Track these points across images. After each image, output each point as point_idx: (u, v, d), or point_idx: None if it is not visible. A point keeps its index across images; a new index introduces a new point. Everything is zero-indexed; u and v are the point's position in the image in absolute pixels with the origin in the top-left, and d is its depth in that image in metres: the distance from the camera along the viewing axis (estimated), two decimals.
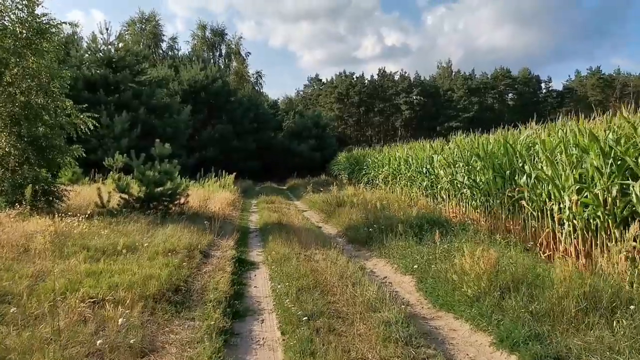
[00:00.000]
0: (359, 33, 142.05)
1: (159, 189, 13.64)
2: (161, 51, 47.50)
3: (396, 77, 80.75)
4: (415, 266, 7.81)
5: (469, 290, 6.07)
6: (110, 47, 30.29)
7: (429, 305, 6.60)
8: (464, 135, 18.07)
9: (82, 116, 14.86)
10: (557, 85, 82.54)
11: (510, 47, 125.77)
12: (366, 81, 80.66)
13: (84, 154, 15.50)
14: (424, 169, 15.80)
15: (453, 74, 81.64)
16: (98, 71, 28.80)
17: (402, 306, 6.14)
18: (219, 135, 37.63)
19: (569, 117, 10.60)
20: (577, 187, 7.61)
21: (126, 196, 13.41)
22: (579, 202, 7.67)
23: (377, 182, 21.71)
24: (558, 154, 8.54)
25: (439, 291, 6.72)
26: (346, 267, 7.99)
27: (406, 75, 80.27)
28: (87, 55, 30.09)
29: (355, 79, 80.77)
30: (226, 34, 48.43)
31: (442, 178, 13.94)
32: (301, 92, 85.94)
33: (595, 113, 9.42)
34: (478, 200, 11.75)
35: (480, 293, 5.97)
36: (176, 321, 5.67)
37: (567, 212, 7.90)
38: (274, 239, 10.53)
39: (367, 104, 79.61)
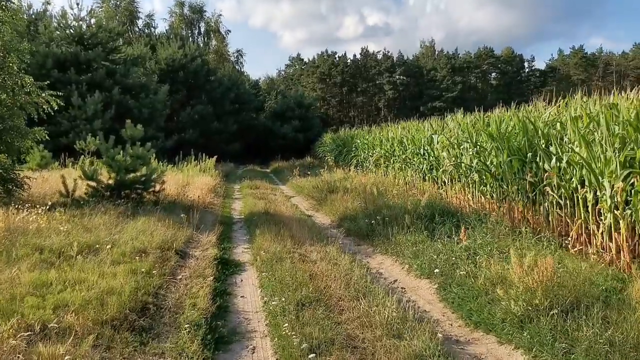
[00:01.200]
0: (341, 12, 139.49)
1: (130, 176, 12.12)
2: (137, 29, 45.23)
3: (379, 57, 79.09)
4: (437, 270, 6.46)
5: (516, 307, 4.75)
6: (81, 23, 28.26)
7: (459, 323, 5.28)
8: (449, 115, 16.33)
9: (44, 95, 13.21)
10: (540, 64, 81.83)
11: (491, 28, 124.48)
12: (349, 61, 78.83)
13: (47, 137, 13.91)
14: (422, 150, 14.47)
15: (436, 53, 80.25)
16: (69, 49, 26.82)
17: (432, 328, 4.79)
18: (199, 117, 35.86)
19: (553, 96, 10.56)
20: (626, 173, 6.33)
21: (94, 184, 11.88)
22: (625, 190, 6.42)
23: (367, 164, 20.35)
24: (594, 133, 7.25)
25: (471, 304, 5.40)
26: (350, 269, 6.64)
27: (389, 54, 78.61)
28: (57, 32, 28.00)
29: (337, 59, 78.88)
30: (205, 11, 46.39)
31: (444, 160, 12.62)
32: (283, 72, 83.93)
33: (580, 92, 9.39)
34: (489, 186, 10.46)
35: (532, 311, 4.65)
36: (140, 359, 4.27)
37: (609, 201, 6.64)
38: (262, 232, 9.13)
39: (349, 84, 77.96)
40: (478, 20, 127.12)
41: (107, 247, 7.47)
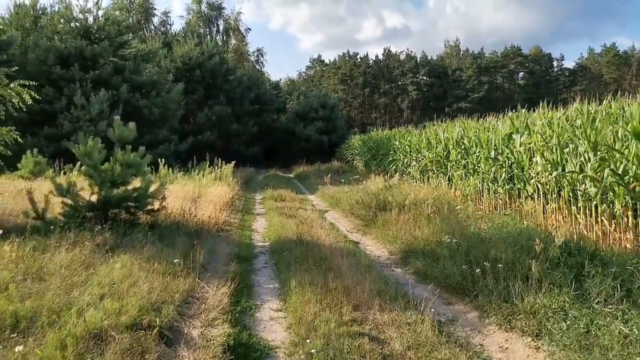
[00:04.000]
0: (359, 15, 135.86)
1: (119, 190, 8.94)
2: (152, 27, 42.37)
3: (402, 57, 75.54)
4: None
5: None
6: (87, 15, 25.29)
7: None
8: (474, 117, 14.88)
9: (13, 86, 10.14)
10: (568, 64, 77.39)
11: (511, 28, 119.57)
12: (371, 61, 75.49)
13: (19, 139, 10.85)
14: (494, 153, 11.09)
15: (461, 53, 76.43)
16: (73, 43, 23.85)
17: None
18: (217, 118, 32.75)
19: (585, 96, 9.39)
20: None
21: (70, 201, 8.72)
22: None
23: (410, 171, 16.96)
24: None
25: None
26: None
27: (412, 55, 75.05)
28: (60, 25, 25.10)
29: (359, 60, 75.66)
30: (224, 8, 43.23)
31: (535, 167, 9.22)
32: (303, 74, 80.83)
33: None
34: (618, 205, 7.06)
35: None
36: None
37: None
38: (300, 283, 5.80)
39: (372, 85, 74.62)
40: (497, 20, 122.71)
41: (54, 316, 4.34)
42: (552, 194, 8.99)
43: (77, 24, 25.15)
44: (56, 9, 29.10)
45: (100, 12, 25.92)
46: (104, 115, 22.09)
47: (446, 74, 72.32)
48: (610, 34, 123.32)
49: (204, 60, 34.15)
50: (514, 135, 10.32)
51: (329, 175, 18.20)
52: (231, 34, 44.39)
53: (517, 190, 10.34)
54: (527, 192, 9.79)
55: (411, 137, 17.42)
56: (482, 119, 14.86)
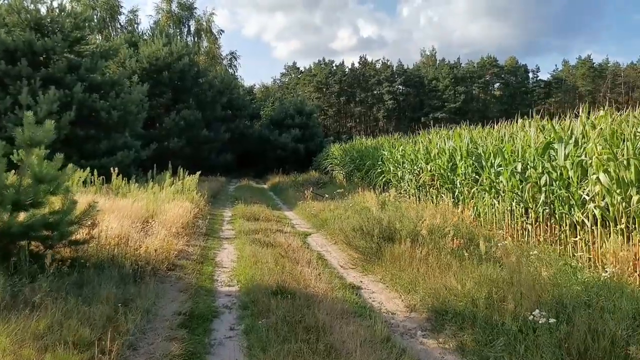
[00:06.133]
0: (335, 24, 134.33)
1: (26, 216, 6.27)
2: (119, 25, 39.31)
3: (378, 66, 73.67)
4: None
5: None
6: (39, 5, 22.29)
7: None
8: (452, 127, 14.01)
9: None
10: (543, 76, 76.72)
11: (484, 41, 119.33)
12: (347, 69, 73.40)
13: None
14: (520, 166, 8.74)
15: (437, 62, 74.95)
16: (21, 36, 20.85)
17: None
18: (185, 123, 29.88)
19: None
20: None
21: None
22: None
23: (404, 186, 14.56)
24: None
25: None
26: None
27: (389, 63, 73.26)
28: (7, 17, 22.04)
29: (335, 67, 73.48)
30: (195, 8, 40.31)
31: (592, 186, 6.87)
32: (278, 81, 78.23)
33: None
34: None
35: None
36: None
37: None
38: None
39: (347, 93, 72.50)
40: (470, 32, 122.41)
41: None
42: (616, 223, 6.65)
43: (28, 15, 22.15)
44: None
45: (56, 3, 23.00)
46: (53, 117, 19.08)
47: (422, 84, 70.71)
48: (581, 48, 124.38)
49: (172, 61, 31.28)
50: (555, 145, 7.97)
51: (311, 190, 15.67)
52: (203, 35, 41.57)
53: (559, 216, 8.00)
54: (575, 218, 7.45)
55: (404, 146, 15.00)
56: (487, 127, 12.62)
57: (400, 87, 72.05)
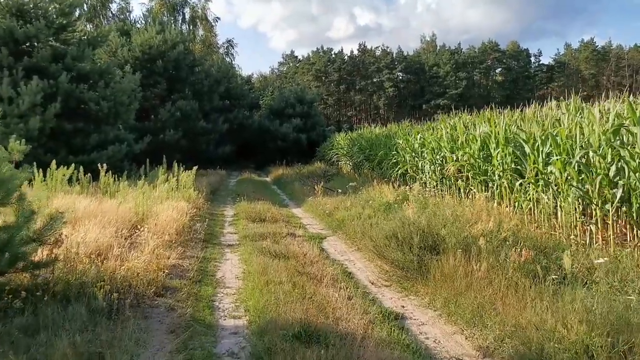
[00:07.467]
0: (331, 13, 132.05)
1: None
2: (110, 14, 37.53)
3: (377, 53, 71.84)
4: None
5: None
6: None
7: None
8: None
9: None
10: (545, 60, 74.91)
11: (483, 27, 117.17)
12: (346, 57, 71.54)
13: None
14: (581, 155, 7.16)
15: (438, 48, 73.10)
16: (1, 22, 19.15)
17: None
18: (181, 114, 28.20)
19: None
20: None
21: None
22: None
23: (426, 179, 13.00)
24: None
25: None
26: None
27: (388, 50, 71.41)
28: None
29: (334, 55, 71.60)
30: None
31: None
32: (276, 70, 76.38)
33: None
34: None
35: None
36: None
37: None
38: None
39: (347, 81, 70.73)
40: (469, 18, 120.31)
41: None
42: None
43: (9, 0, 20.44)
44: None
45: None
46: (37, 110, 17.49)
47: (423, 70, 68.95)
48: (580, 32, 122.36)
49: (166, 49, 29.55)
50: (632, 128, 6.41)
51: (321, 184, 14.10)
52: (198, 23, 39.72)
53: (635, 214, 6.45)
54: None
55: (423, 133, 13.42)
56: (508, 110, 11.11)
57: (401, 74, 70.32)
